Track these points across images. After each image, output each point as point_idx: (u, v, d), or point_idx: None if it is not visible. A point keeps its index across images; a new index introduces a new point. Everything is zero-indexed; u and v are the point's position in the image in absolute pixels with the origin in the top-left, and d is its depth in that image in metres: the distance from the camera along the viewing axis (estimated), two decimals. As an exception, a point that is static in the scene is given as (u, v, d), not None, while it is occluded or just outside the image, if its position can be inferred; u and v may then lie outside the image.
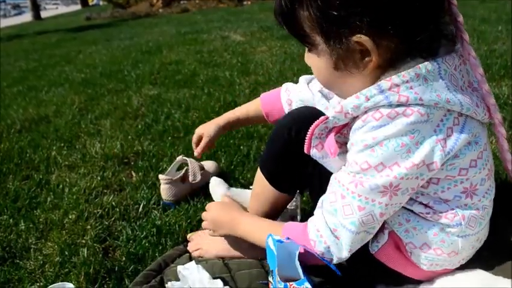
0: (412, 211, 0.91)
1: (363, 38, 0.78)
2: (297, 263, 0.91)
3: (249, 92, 2.70)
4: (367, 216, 0.85)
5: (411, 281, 0.99)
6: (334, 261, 0.91)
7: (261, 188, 1.17)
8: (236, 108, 1.46)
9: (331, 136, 0.89)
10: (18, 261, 1.33)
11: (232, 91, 2.77)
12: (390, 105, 0.79)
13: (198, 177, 1.56)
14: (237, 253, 1.20)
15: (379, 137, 0.80)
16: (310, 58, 0.91)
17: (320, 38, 0.83)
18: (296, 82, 1.30)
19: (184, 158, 1.61)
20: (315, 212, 0.94)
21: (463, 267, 0.96)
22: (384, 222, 0.92)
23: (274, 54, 3.78)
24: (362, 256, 0.94)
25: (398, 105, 0.79)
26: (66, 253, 1.32)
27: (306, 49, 0.91)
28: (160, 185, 1.56)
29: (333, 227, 0.88)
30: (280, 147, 1.08)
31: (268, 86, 2.81)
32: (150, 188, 1.64)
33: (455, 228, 0.89)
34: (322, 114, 1.07)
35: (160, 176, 1.54)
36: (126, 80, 3.37)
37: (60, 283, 0.96)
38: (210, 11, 9.15)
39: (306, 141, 0.92)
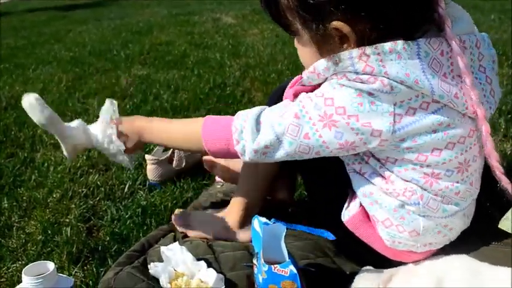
0: (374, 184, 0.92)
1: (339, 24, 0.80)
2: (283, 245, 0.91)
3: (240, 74, 2.68)
4: (296, 127, 0.85)
5: (384, 259, 0.99)
6: (238, 148, 0.91)
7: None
8: None
9: (292, 89, 0.92)
10: (0, 239, 1.31)
11: (222, 73, 2.74)
12: (356, 73, 0.81)
13: (183, 164, 1.55)
14: (223, 235, 1.19)
15: (341, 85, 0.82)
16: (296, 43, 0.93)
17: (300, 26, 0.86)
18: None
19: (172, 138, 1.58)
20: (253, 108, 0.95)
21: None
22: (355, 192, 0.94)
23: (266, 37, 3.74)
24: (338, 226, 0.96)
25: (364, 74, 0.80)
26: (49, 232, 1.30)
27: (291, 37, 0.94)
28: (146, 165, 1.54)
29: (261, 119, 0.89)
30: None
31: (259, 68, 2.80)
32: (136, 169, 1.62)
33: (413, 207, 0.90)
34: None
35: (147, 156, 1.52)
36: (115, 59, 3.32)
37: (41, 261, 0.94)
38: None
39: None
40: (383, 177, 0.91)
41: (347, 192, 0.99)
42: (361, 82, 0.80)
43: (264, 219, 0.92)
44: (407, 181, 0.90)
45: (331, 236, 0.91)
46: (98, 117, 1.12)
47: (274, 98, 1.02)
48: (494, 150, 0.86)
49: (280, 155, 0.89)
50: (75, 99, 2.44)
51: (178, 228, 1.23)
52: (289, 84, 0.95)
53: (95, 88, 2.62)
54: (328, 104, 0.83)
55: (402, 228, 0.92)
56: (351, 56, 0.81)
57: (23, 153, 1.80)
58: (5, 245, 1.28)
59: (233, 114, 1.88)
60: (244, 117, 0.91)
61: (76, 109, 2.28)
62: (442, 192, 0.90)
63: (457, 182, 0.90)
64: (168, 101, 2.29)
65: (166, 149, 1.60)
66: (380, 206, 0.92)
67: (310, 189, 1.17)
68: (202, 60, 3.11)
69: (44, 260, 1.17)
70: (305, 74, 0.89)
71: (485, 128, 0.85)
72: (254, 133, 0.89)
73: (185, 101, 2.27)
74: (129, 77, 2.82)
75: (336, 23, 0.80)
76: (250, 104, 2.17)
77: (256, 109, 0.92)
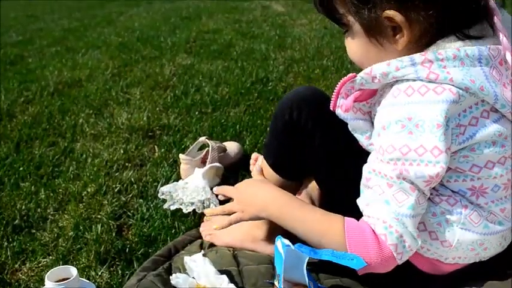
0: None
1: (392, 13, 0.77)
2: (305, 269, 0.87)
3: (283, 69, 2.62)
4: (421, 195, 0.81)
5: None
6: (405, 256, 0.82)
7: (268, 178, 1.13)
8: None
9: (351, 97, 0.87)
10: (34, 231, 1.34)
11: (265, 66, 2.70)
12: (420, 80, 0.77)
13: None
14: (249, 245, 1.17)
15: (414, 117, 0.77)
16: (346, 40, 0.90)
17: (352, 17, 0.83)
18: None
19: (207, 139, 1.57)
20: (365, 208, 0.85)
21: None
22: None
23: (314, 29, 3.66)
24: None
25: (429, 82, 0.76)
26: (81, 228, 1.32)
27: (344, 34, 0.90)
28: (180, 164, 1.54)
29: (394, 216, 0.80)
30: (282, 131, 1.05)
31: (304, 62, 2.73)
32: (170, 166, 1.61)
33: (454, 216, 0.84)
34: (324, 93, 1.07)
35: (181, 156, 1.51)
36: (162, 47, 3.34)
37: (64, 266, 0.95)
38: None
39: (332, 100, 0.90)
40: None
41: None
42: (425, 93, 0.76)
43: (287, 242, 0.88)
44: (453, 191, 0.85)
45: (361, 263, 0.85)
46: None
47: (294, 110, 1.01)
48: None
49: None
50: (118, 87, 2.47)
51: (204, 237, 1.22)
52: (339, 86, 0.87)
53: (138, 76, 2.64)
54: (427, 163, 0.77)
55: (435, 236, 0.87)
56: (413, 61, 0.77)
57: (64, 143, 1.84)
58: (38, 238, 1.30)
59: (273, 111, 1.86)
60: (385, 226, 0.81)
61: (118, 98, 2.30)
62: (487, 206, 0.85)
63: (501, 199, 0.86)
64: (209, 93, 2.28)
65: (200, 148, 1.58)
66: None
67: (329, 197, 1.12)
68: (247, 51, 3.07)
69: (73, 257, 1.20)
70: (360, 75, 0.85)
71: None
72: (408, 231, 0.81)
73: (226, 95, 2.24)
74: (173, 66, 2.82)
75: (388, 12, 0.77)
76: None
77: (379, 212, 0.82)
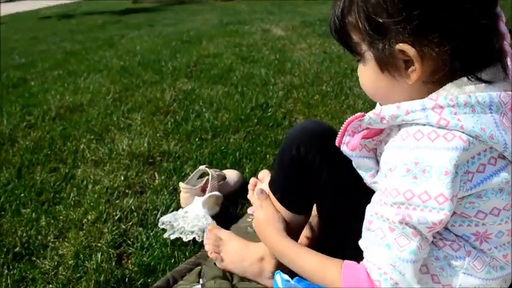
0: None
1: (406, 47, 0.76)
2: (303, 303, 0.88)
3: (283, 95, 2.65)
4: (423, 240, 0.80)
5: None
6: None
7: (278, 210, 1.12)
8: None
9: (359, 135, 0.87)
10: (34, 259, 1.35)
11: (265, 91, 2.73)
12: (430, 125, 0.76)
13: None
14: (253, 276, 1.18)
15: (421, 162, 0.75)
16: (359, 69, 0.89)
17: (366, 46, 0.82)
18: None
19: (207, 168, 1.58)
20: (365, 250, 0.86)
21: None
22: None
23: (313, 53, 3.70)
24: None
25: (439, 128, 0.75)
26: (81, 256, 1.33)
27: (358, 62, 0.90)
28: (180, 192, 1.55)
29: (392, 263, 0.80)
30: (289, 166, 1.06)
31: (303, 88, 2.77)
32: (170, 194, 1.63)
33: (458, 262, 0.83)
34: (331, 128, 1.08)
35: (181, 184, 1.53)
36: (163, 71, 3.38)
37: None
38: (255, 1, 9.08)
39: (338, 136, 0.90)
40: None
41: None
42: (435, 139, 0.75)
43: (286, 277, 0.89)
44: (457, 236, 0.85)
45: None
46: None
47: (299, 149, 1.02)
48: None
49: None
50: (120, 112, 2.49)
51: (208, 252, 1.20)
52: (346, 124, 0.87)
53: (140, 102, 2.67)
54: (431, 210, 0.76)
55: (437, 279, 0.86)
56: (424, 106, 0.76)
57: (65, 169, 1.86)
58: (38, 266, 1.31)
59: (272, 138, 1.88)
60: (380, 273, 0.81)
61: (120, 124, 2.32)
62: (490, 252, 0.85)
63: (504, 245, 0.85)
64: (210, 120, 2.30)
65: (200, 176, 1.60)
66: None
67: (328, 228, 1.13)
68: (247, 76, 3.11)
69: (72, 287, 1.21)
70: (368, 115, 0.84)
71: None
72: (404, 279, 0.80)
73: (226, 121, 2.27)
74: (174, 91, 2.86)
75: (402, 45, 0.76)
76: (290, 127, 2.14)
77: (377, 257, 0.82)
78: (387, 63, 0.80)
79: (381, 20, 0.76)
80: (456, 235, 0.84)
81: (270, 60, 3.55)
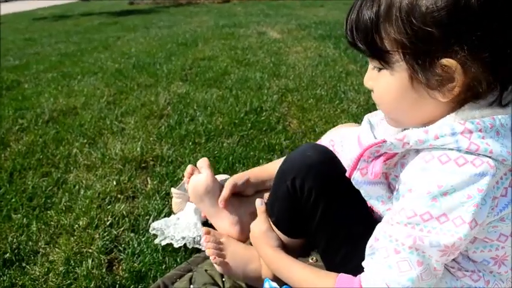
0: None
1: (452, 63, 0.70)
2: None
3: (277, 99, 2.65)
4: (426, 272, 0.77)
5: None
6: None
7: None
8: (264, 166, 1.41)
9: (380, 160, 0.82)
10: (25, 265, 1.34)
11: (260, 95, 2.73)
12: (459, 150, 0.73)
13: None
14: (252, 282, 1.16)
15: (445, 185, 0.72)
16: (378, 78, 0.82)
17: (401, 57, 0.75)
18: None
19: (198, 172, 1.58)
20: (366, 264, 0.85)
21: None
22: None
23: (308, 57, 3.71)
24: None
25: (467, 153, 0.72)
26: (72, 262, 1.32)
27: (371, 69, 0.83)
28: (172, 197, 1.54)
29: (387, 282, 0.78)
30: (283, 197, 1.03)
31: (297, 92, 2.77)
32: (162, 199, 1.62)
33: None
34: (332, 155, 1.03)
35: (173, 190, 1.52)
36: (157, 74, 3.37)
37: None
38: (251, 3, 9.09)
39: (351, 164, 0.84)
40: None
41: None
42: (463, 165, 0.72)
43: (274, 284, 0.89)
44: (475, 261, 0.83)
45: None
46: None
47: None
48: None
49: None
50: (113, 116, 2.49)
51: (211, 257, 1.17)
52: (362, 151, 0.82)
53: (134, 105, 2.66)
54: (445, 233, 0.73)
55: None
56: (454, 131, 0.73)
57: (57, 174, 1.85)
58: (28, 273, 1.30)
59: (266, 143, 1.87)
60: None
61: (113, 128, 2.31)
62: (506, 274, 0.83)
63: None
64: (204, 123, 2.30)
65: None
66: (439, 282, 0.83)
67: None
68: (241, 80, 3.11)
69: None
70: (390, 141, 0.79)
71: None
72: None
73: (220, 125, 2.27)
74: (169, 94, 2.85)
75: (448, 61, 0.70)
76: (284, 132, 2.14)
77: (373, 274, 0.81)
78: (424, 79, 0.74)
79: (431, 30, 0.69)
80: (474, 261, 0.82)
81: (265, 64, 3.55)
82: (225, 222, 1.28)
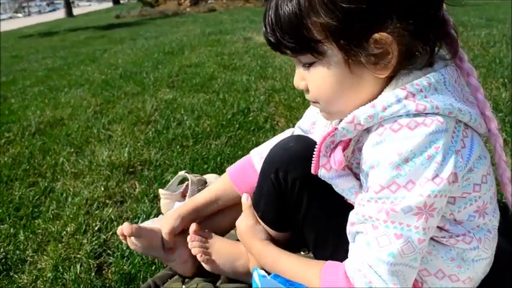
0: None
1: (384, 35, 0.72)
2: (281, 299, 0.86)
3: (264, 99, 2.65)
4: (407, 245, 0.75)
5: None
6: None
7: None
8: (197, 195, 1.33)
9: (339, 149, 0.81)
10: (12, 274, 1.32)
11: (247, 97, 2.72)
12: (408, 115, 0.73)
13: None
14: (241, 277, 1.15)
15: (404, 152, 0.73)
16: (310, 75, 0.81)
17: (332, 43, 0.75)
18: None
19: (186, 173, 1.56)
20: (350, 248, 0.83)
21: None
22: None
23: (295, 58, 3.71)
24: None
25: (416, 115, 0.73)
26: (60, 268, 1.30)
27: (299, 69, 0.83)
28: (160, 198, 1.53)
29: (369, 263, 0.77)
30: (268, 192, 1.01)
31: (284, 92, 2.77)
32: (151, 202, 1.61)
33: (472, 252, 0.83)
34: (314, 143, 1.01)
35: (160, 191, 1.51)
36: (144, 82, 3.37)
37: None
38: (237, 11, 9.13)
39: (313, 162, 0.84)
40: (437, 225, 0.81)
41: None
42: (415, 128, 0.73)
43: (263, 272, 0.88)
44: (462, 223, 0.83)
45: None
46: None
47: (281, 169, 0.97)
48: (505, 164, 0.84)
49: (412, 274, 0.79)
50: (100, 124, 2.47)
51: (198, 255, 1.15)
52: (319, 146, 0.82)
53: (120, 113, 2.65)
54: (413, 194, 0.73)
55: (456, 278, 0.85)
56: (398, 97, 0.74)
57: (44, 183, 1.83)
58: (16, 281, 1.28)
59: (254, 142, 1.86)
60: (354, 269, 0.79)
61: (100, 136, 2.30)
62: (490, 223, 0.84)
63: (495, 208, 0.85)
64: (191, 127, 2.29)
65: (181, 182, 1.58)
66: (434, 257, 0.83)
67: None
68: (228, 83, 3.10)
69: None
70: (341, 126, 0.79)
71: (499, 140, 0.82)
72: (381, 279, 0.76)
73: (207, 127, 2.26)
74: (156, 101, 2.84)
75: (381, 34, 0.72)
76: (272, 131, 2.14)
77: (356, 256, 0.80)
78: (360, 59, 0.75)
79: (358, 6, 0.70)
80: (461, 223, 0.82)
81: (252, 67, 3.56)
82: (177, 263, 1.22)
